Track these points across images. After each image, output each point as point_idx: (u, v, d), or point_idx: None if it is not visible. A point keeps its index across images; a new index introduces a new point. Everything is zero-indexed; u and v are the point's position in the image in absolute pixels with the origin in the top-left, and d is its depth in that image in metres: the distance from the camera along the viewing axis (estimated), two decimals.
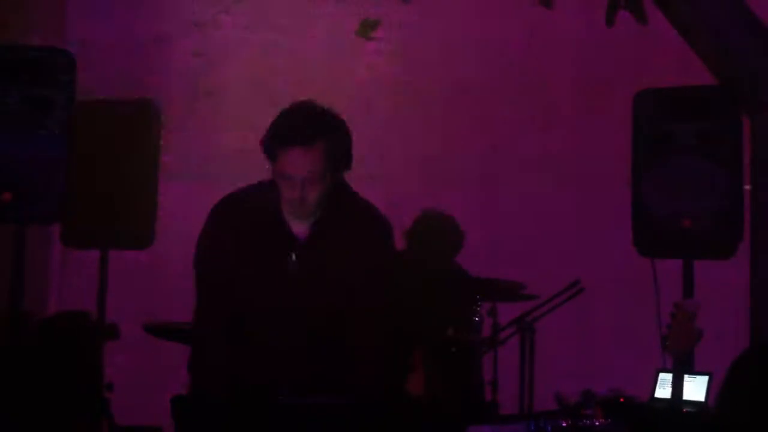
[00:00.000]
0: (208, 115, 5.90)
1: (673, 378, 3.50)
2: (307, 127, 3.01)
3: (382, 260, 3.09)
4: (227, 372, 2.99)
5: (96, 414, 4.51)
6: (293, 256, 3.02)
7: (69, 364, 4.62)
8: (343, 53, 5.84)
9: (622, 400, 3.96)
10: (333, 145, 3.02)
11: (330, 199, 3.04)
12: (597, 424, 3.15)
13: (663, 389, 4.02)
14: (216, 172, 5.81)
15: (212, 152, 5.86)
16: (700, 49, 4.16)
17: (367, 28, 5.52)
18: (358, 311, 3.00)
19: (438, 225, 4.88)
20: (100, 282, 4.67)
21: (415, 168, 5.81)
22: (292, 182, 2.98)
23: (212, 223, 3.15)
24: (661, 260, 4.03)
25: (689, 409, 3.73)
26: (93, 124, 4.55)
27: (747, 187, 3.99)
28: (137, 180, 4.69)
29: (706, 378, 3.93)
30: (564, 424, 3.11)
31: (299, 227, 3.03)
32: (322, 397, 2.84)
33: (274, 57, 5.92)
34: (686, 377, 3.60)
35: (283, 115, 3.08)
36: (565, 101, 5.80)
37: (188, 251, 5.58)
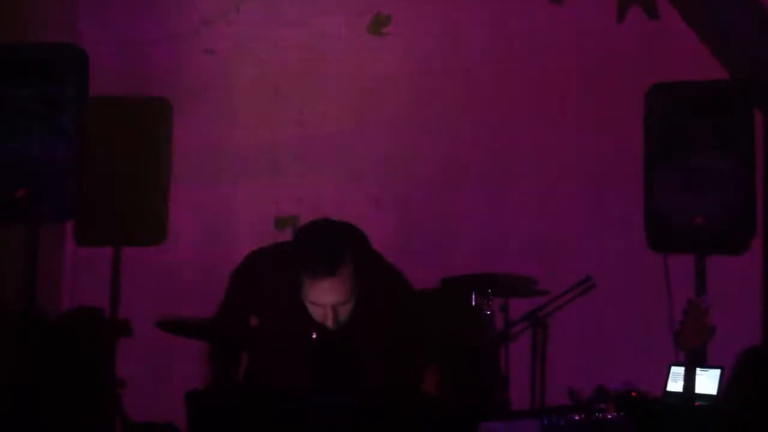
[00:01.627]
0: (219, 113, 5.90)
1: (686, 371, 3.50)
2: (331, 260, 3.05)
3: (402, 324, 3.19)
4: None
5: (108, 410, 4.53)
6: (314, 335, 3.11)
7: (81, 360, 4.64)
8: (354, 49, 5.84)
9: (634, 394, 3.95)
10: (357, 264, 3.08)
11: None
12: (610, 417, 3.15)
13: (675, 383, 4.01)
14: (228, 170, 5.83)
15: (224, 149, 5.86)
16: (711, 43, 4.16)
17: (378, 24, 5.51)
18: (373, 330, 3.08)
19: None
20: (112, 279, 4.69)
21: (426, 164, 5.81)
22: (322, 308, 3.07)
23: (240, 279, 3.26)
24: (673, 256, 4.02)
25: (701, 403, 3.72)
26: (105, 122, 4.56)
27: None
28: (149, 177, 4.71)
29: (718, 371, 3.92)
30: (577, 419, 3.11)
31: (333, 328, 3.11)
32: (333, 397, 2.85)
33: (285, 53, 5.92)
34: (698, 370, 3.60)
35: (302, 246, 3.12)
36: (575, 97, 5.78)
37: (200, 248, 5.62)
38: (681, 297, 3.54)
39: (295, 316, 3.10)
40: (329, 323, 3.06)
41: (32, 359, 4.08)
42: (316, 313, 3.07)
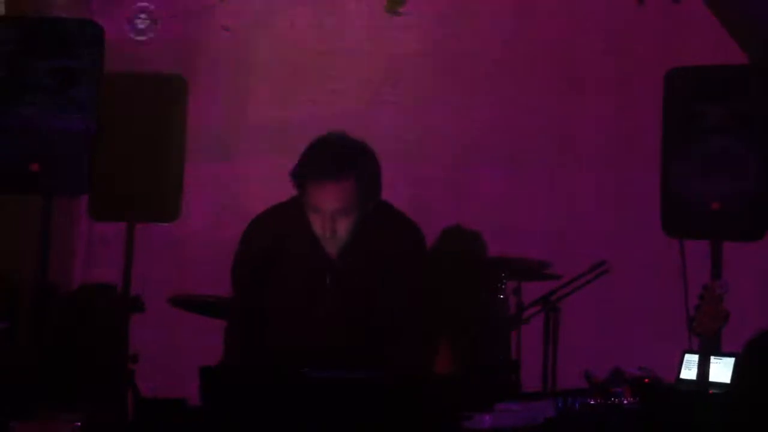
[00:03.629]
0: (235, 90, 5.89)
1: (700, 359, 3.49)
2: (338, 162, 3.05)
3: (416, 262, 3.18)
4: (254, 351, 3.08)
5: (121, 386, 4.54)
6: (327, 277, 3.11)
7: (94, 335, 4.65)
8: (371, 28, 5.82)
9: (647, 380, 3.94)
10: (363, 178, 3.07)
11: (362, 222, 3.09)
12: (626, 402, 3.14)
13: (689, 370, 4.00)
14: (243, 147, 5.82)
15: (239, 127, 5.85)
16: (732, 27, 4.12)
17: (395, 3, 5.49)
18: (392, 294, 3.07)
19: (462, 240, 4.88)
20: (126, 255, 4.69)
21: (441, 145, 5.79)
22: (322, 215, 3.05)
23: (248, 239, 3.22)
24: (689, 241, 4.00)
25: (715, 391, 3.71)
26: (121, 98, 4.55)
27: None
28: (164, 154, 4.70)
29: (732, 359, 3.90)
30: (592, 402, 3.10)
31: (331, 249, 3.10)
32: (350, 371, 2.85)
33: (303, 32, 5.90)
34: (713, 358, 3.58)
35: (313, 148, 3.12)
36: (594, 79, 5.75)
37: (213, 225, 5.62)
38: (697, 282, 3.52)
39: (306, 261, 3.10)
40: (327, 233, 3.03)
41: (46, 333, 4.09)
42: (316, 223, 3.05)
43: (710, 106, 4.00)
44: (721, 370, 3.88)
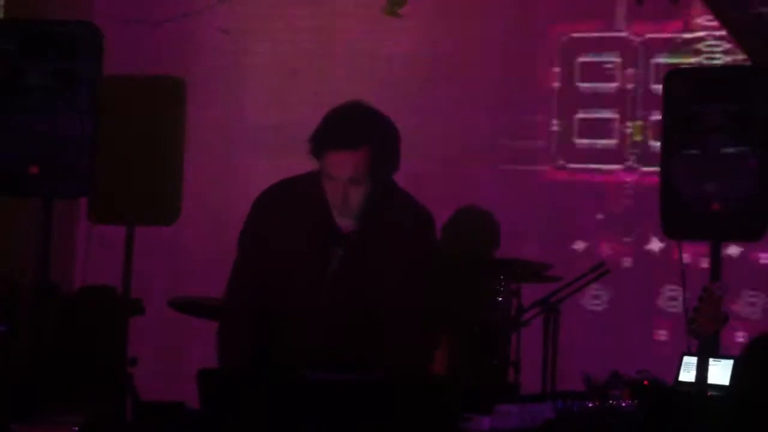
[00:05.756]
0: (233, 92, 5.89)
1: (698, 361, 3.48)
2: (354, 129, 3.06)
3: (424, 253, 3.17)
4: (251, 354, 3.07)
5: (120, 389, 4.54)
6: (338, 251, 3.09)
7: (93, 338, 4.65)
8: (369, 30, 5.82)
9: (645, 382, 3.94)
10: (379, 148, 3.07)
11: (375, 195, 3.09)
12: (624, 405, 3.13)
13: (688, 372, 4.00)
14: (241, 149, 5.83)
15: (237, 129, 5.86)
16: (731, 26, 4.12)
17: (394, 5, 5.50)
18: (393, 301, 3.06)
19: (475, 221, 4.87)
20: (125, 258, 4.69)
21: (438, 145, 5.79)
22: (336, 183, 3.05)
23: (258, 210, 3.21)
24: (688, 242, 4.00)
25: (714, 393, 3.70)
26: (119, 101, 4.54)
27: None
28: (163, 156, 4.70)
29: (731, 362, 3.90)
30: (591, 405, 3.10)
31: (344, 222, 3.10)
32: (349, 373, 2.85)
33: (299, 33, 5.90)
34: (711, 360, 3.58)
35: (330, 115, 3.12)
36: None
37: (213, 228, 5.63)
38: (695, 284, 3.52)
39: (315, 235, 3.09)
40: (339, 201, 3.03)
41: (46, 335, 4.09)
42: (330, 191, 3.05)
43: (710, 106, 3.99)
44: (720, 372, 3.88)
